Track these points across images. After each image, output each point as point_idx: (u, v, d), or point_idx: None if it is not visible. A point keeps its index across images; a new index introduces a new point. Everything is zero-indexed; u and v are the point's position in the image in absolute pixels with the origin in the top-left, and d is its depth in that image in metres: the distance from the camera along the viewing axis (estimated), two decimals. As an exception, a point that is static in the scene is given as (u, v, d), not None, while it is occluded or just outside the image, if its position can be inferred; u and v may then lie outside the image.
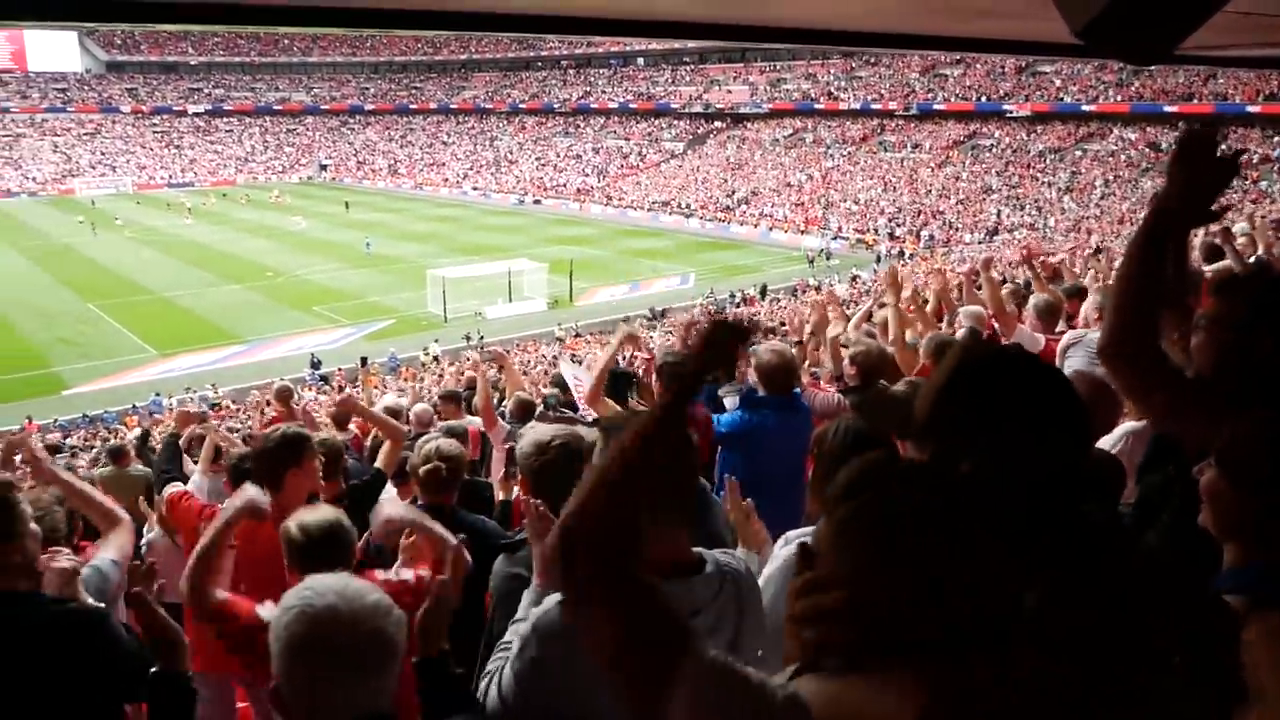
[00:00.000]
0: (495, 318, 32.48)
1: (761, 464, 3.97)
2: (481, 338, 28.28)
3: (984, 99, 57.49)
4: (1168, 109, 47.74)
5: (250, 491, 2.84)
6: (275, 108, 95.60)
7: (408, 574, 2.72)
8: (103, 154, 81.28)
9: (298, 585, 1.60)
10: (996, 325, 5.87)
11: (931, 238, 44.93)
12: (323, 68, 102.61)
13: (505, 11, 2.16)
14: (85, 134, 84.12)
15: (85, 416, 22.67)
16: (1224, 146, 1.61)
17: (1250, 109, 44.86)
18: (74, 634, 2.21)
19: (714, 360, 1.33)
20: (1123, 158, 48.79)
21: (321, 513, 2.67)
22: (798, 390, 4.50)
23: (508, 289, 34.36)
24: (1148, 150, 47.72)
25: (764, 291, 34.30)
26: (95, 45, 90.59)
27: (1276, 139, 44.14)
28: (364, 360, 26.19)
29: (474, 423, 6.70)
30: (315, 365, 26.43)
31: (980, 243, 40.82)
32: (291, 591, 1.58)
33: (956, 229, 45.63)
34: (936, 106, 59.67)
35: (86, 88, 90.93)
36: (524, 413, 6.39)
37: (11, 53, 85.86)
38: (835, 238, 47.72)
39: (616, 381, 6.13)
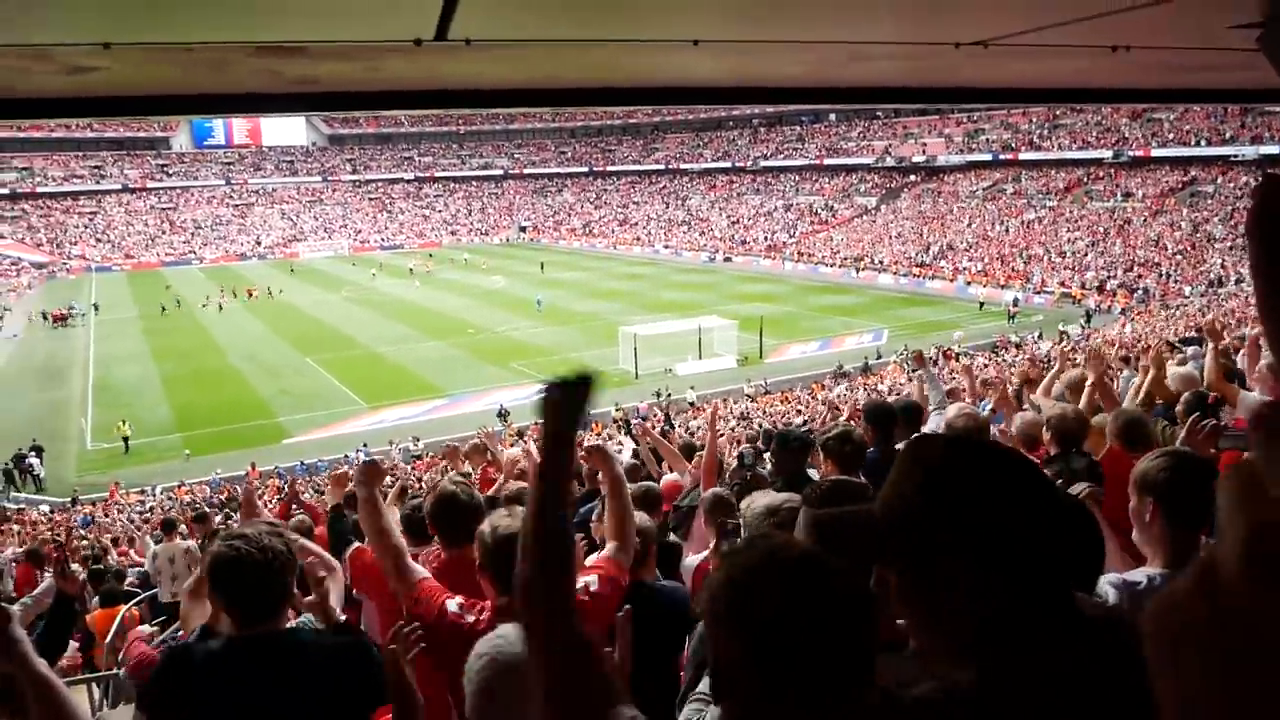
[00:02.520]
0: (685, 374, 32.87)
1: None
2: (669, 395, 28.66)
3: (1203, 142, 53.52)
4: None
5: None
6: (479, 173, 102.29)
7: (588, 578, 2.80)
8: (323, 219, 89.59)
9: (493, 632, 1.74)
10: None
11: (1146, 291, 41.98)
12: (523, 134, 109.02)
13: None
14: (309, 201, 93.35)
15: (302, 464, 24.38)
16: None
17: None
18: (354, 657, 2.44)
19: (568, 418, 1.47)
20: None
21: (517, 520, 2.64)
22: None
23: (698, 346, 34.77)
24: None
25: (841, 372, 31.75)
26: (319, 120, 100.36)
27: None
28: (503, 413, 26.67)
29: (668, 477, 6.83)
30: (502, 415, 27.35)
31: (1201, 295, 37.64)
32: (485, 639, 1.73)
33: (1175, 281, 42.35)
34: (1154, 153, 56.08)
35: (311, 159, 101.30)
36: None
37: (249, 130, 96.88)
38: (1038, 292, 45.39)
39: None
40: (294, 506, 8.51)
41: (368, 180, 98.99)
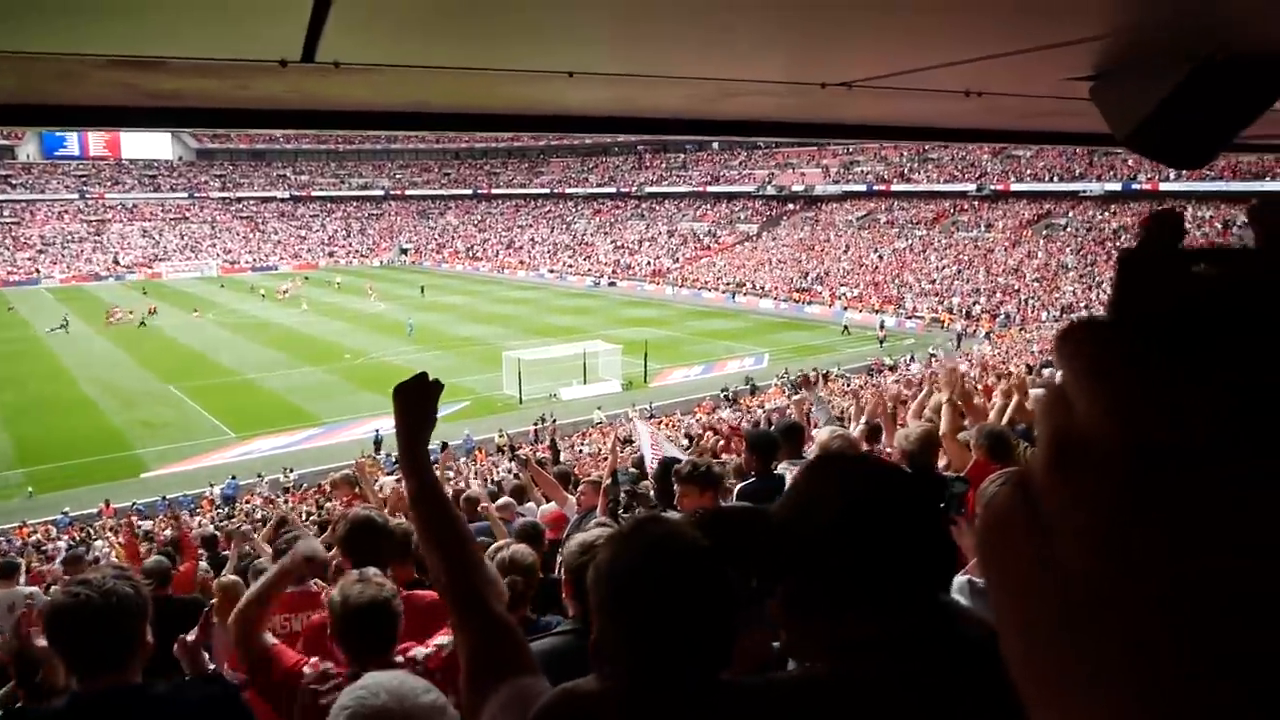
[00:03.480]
0: (570, 399, 32.79)
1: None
2: (554, 420, 28.47)
3: (1057, 178, 57.60)
4: (1241, 187, 47.10)
5: (312, 543, 2.95)
6: (358, 193, 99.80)
7: (441, 640, 2.77)
8: (189, 238, 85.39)
9: (355, 684, 1.69)
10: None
11: (1008, 316, 44.73)
12: (405, 154, 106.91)
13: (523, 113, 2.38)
14: (173, 219, 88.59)
15: (164, 499, 22.23)
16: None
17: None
18: (218, 711, 2.37)
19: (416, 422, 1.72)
20: (1198, 234, 47.83)
21: (370, 589, 2.61)
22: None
23: (583, 370, 34.77)
24: (1222, 228, 46.86)
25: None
26: (187, 134, 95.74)
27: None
28: (444, 445, 25.85)
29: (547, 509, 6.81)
30: (378, 444, 26.19)
31: (1056, 320, 40.40)
32: (348, 690, 1.68)
33: (1033, 307, 45.26)
34: (1013, 187, 59.80)
35: (176, 174, 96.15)
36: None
37: (106, 141, 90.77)
38: (909, 317, 47.54)
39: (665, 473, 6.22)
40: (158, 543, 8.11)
41: (239, 198, 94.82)
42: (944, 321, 45.83)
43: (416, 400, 1.72)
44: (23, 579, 8.95)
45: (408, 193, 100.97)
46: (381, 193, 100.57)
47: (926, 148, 67.43)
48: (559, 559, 5.28)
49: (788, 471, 5.03)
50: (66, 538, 18.97)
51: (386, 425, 28.46)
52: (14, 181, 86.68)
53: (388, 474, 18.18)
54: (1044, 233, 55.36)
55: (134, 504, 22.19)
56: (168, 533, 14.49)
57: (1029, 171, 60.30)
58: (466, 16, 1.69)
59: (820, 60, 1.95)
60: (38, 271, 72.96)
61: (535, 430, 27.54)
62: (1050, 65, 1.65)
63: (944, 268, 53.94)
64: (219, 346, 42.61)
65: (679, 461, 5.28)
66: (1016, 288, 48.64)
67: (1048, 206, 57.93)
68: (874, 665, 1.12)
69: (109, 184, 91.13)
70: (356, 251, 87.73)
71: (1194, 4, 1.28)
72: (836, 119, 2.74)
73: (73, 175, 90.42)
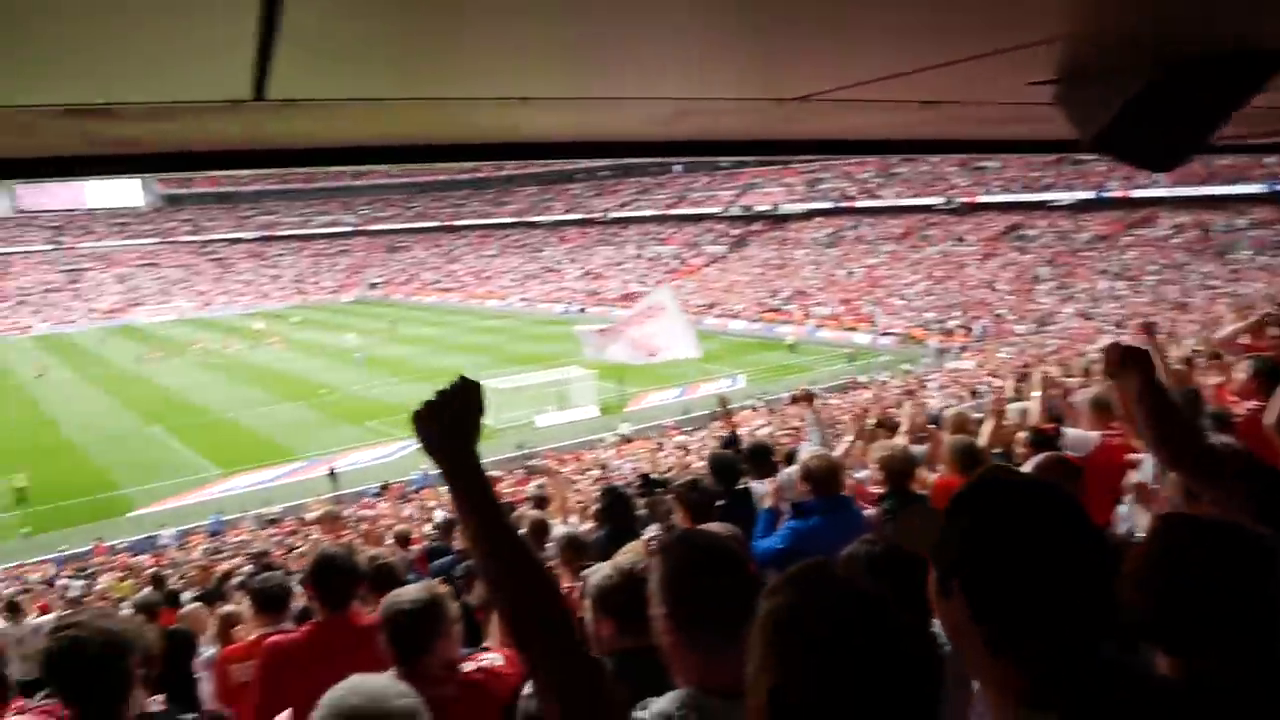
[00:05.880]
0: (545, 425, 32.62)
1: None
2: (530, 448, 28.38)
3: (1025, 189, 57.89)
4: (1219, 190, 47.49)
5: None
6: (325, 230, 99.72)
7: (495, 657, 2.74)
8: (163, 282, 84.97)
9: (341, 682, 1.69)
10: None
11: (984, 330, 44.44)
12: (369, 190, 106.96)
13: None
14: (145, 264, 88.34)
15: (150, 539, 23.03)
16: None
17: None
18: None
19: (458, 436, 1.51)
20: (1174, 242, 48.47)
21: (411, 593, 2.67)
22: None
23: (558, 397, 34.58)
24: (1199, 234, 47.40)
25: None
26: (154, 180, 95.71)
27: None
28: (384, 486, 25.51)
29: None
30: (332, 477, 27.00)
31: (1033, 334, 40.40)
32: (334, 687, 1.67)
33: (1007, 320, 45.23)
34: (982, 198, 60.18)
35: (145, 220, 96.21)
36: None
37: (72, 192, 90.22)
38: (884, 334, 47.61)
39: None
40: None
41: (209, 240, 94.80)
42: (917, 337, 45.92)
43: (459, 408, 1.51)
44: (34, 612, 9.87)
45: (373, 227, 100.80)
46: (348, 229, 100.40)
47: (892, 163, 68.11)
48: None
49: (755, 487, 5.00)
50: (67, 573, 19.32)
51: (369, 456, 28.95)
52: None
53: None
54: (1015, 243, 55.69)
55: (122, 542, 22.72)
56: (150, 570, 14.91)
57: (997, 182, 60.64)
58: (412, 45, 1.64)
59: (776, 75, 1.91)
60: (15, 323, 72.29)
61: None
62: (1010, 70, 1.61)
63: (915, 283, 54.17)
64: (199, 386, 42.95)
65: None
66: (989, 300, 48.66)
67: (1017, 218, 58.13)
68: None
69: (80, 233, 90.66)
70: (326, 288, 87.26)
71: (1160, 2, 1.24)
72: (796, 135, 2.70)
73: (46, 227, 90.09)
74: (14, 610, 9.34)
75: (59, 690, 2.30)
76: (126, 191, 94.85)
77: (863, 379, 35.20)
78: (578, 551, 4.33)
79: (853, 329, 48.85)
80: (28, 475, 27.46)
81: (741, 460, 5.61)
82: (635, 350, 6.61)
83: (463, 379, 1.55)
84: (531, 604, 1.37)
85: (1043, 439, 4.57)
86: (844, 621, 1.09)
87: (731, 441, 6.97)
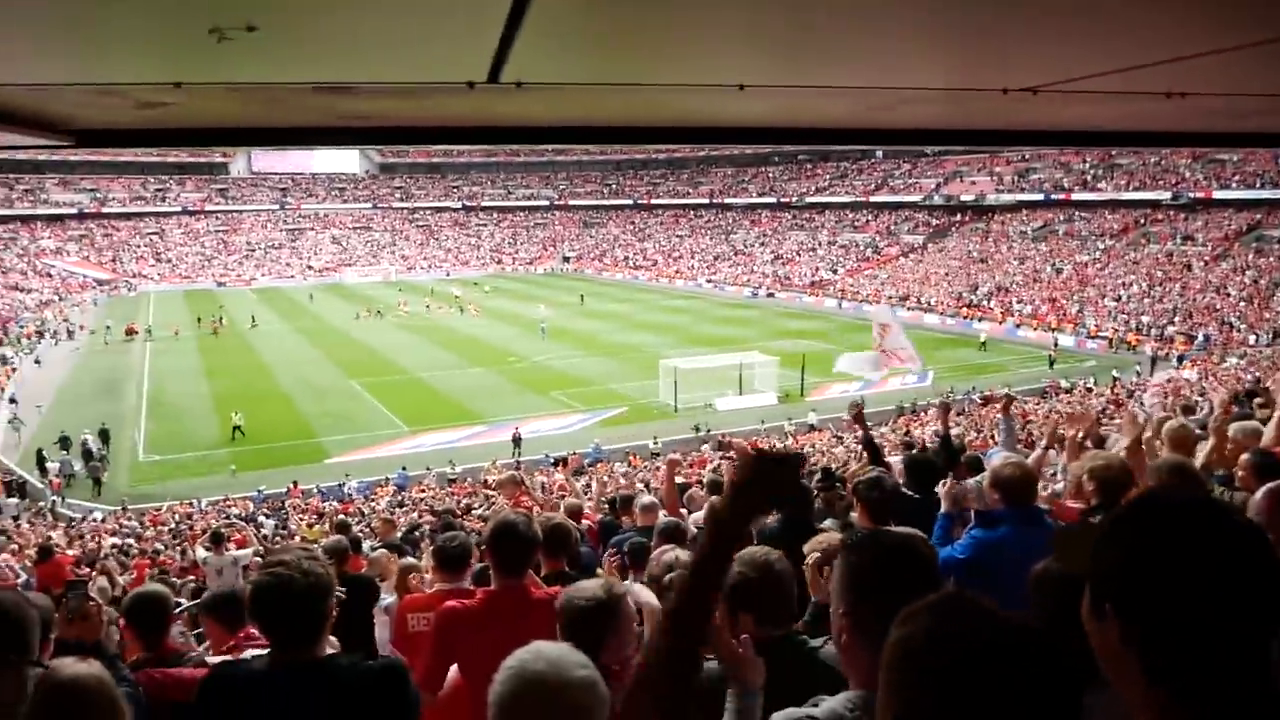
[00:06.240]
0: (725, 409, 32.68)
1: (1005, 588, 3.69)
2: (709, 430, 28.51)
3: (1269, 185, 52.26)
4: None
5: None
6: (524, 204, 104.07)
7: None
8: (372, 245, 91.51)
9: (523, 649, 1.72)
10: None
11: (1207, 339, 40.53)
12: (568, 166, 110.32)
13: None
14: (358, 227, 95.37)
15: (339, 486, 24.57)
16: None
17: None
18: (389, 684, 2.48)
19: (755, 503, 1.57)
20: None
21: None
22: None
23: (739, 381, 34.57)
24: None
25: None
26: (372, 149, 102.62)
27: None
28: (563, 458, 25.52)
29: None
30: (516, 442, 28.09)
31: (1268, 345, 36.48)
32: (518, 650, 1.71)
33: (1238, 330, 41.09)
34: (1216, 195, 54.89)
35: (361, 186, 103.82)
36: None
37: (302, 157, 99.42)
38: (1091, 337, 44.52)
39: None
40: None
41: (416, 208, 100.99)
42: (1131, 343, 42.59)
43: (769, 483, 1.60)
44: (231, 545, 10.47)
45: (570, 203, 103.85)
46: (546, 203, 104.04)
47: (1114, 153, 63.23)
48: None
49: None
50: (264, 511, 21.13)
51: (550, 426, 30.02)
52: (228, 194, 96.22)
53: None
54: (1253, 245, 50.44)
55: (316, 486, 24.62)
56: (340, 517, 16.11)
57: (1236, 177, 55.01)
58: (645, 34, 1.71)
59: (1004, 65, 1.85)
60: (243, 275, 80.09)
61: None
62: (1272, 59, 1.50)
63: (1132, 284, 50.21)
64: (397, 346, 45.56)
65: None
66: (1219, 307, 44.30)
67: (1258, 216, 52.64)
68: None
69: (304, 195, 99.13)
70: (522, 259, 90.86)
71: None
72: (1017, 125, 2.60)
73: (275, 188, 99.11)
74: (217, 540, 10.01)
75: (261, 623, 2.43)
76: (346, 159, 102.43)
77: (1064, 384, 33.15)
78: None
79: (1057, 329, 45.87)
80: (243, 416, 30.07)
81: (940, 463, 5.43)
82: (887, 362, 6.84)
83: (797, 456, 1.69)
84: (692, 667, 1.52)
85: (1271, 464, 4.12)
86: (971, 656, 1.06)
87: (944, 442, 6.74)
